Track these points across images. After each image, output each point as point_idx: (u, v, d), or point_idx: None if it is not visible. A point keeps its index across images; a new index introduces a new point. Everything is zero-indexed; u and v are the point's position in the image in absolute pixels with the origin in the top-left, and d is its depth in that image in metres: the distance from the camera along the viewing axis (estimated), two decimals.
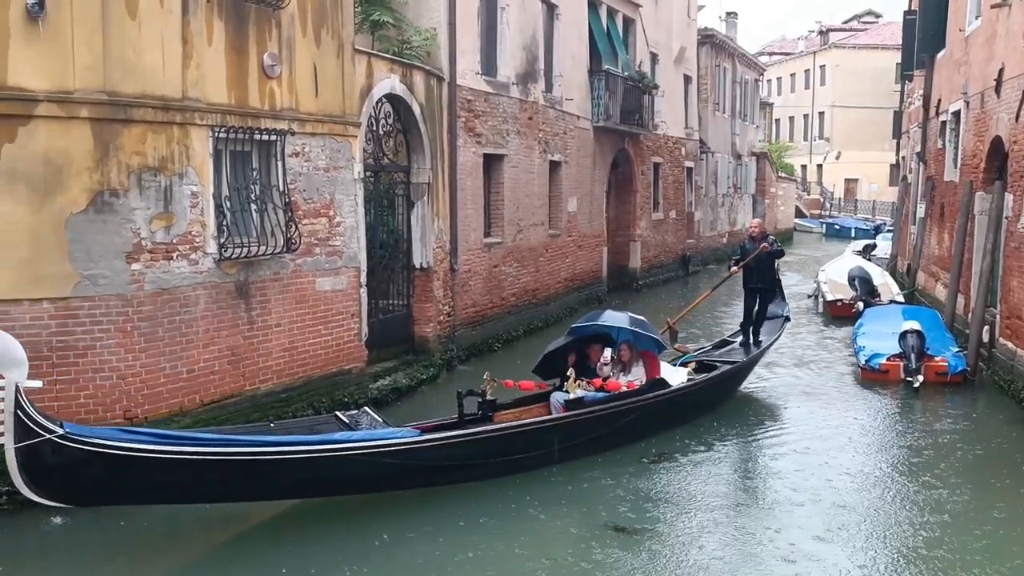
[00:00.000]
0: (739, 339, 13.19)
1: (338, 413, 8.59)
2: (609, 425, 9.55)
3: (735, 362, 12.03)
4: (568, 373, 9.75)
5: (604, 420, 9.55)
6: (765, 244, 12.80)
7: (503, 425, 9.17)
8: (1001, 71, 13.76)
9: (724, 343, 13.31)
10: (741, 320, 13.50)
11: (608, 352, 10.37)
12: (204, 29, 9.02)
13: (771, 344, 13.16)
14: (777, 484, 9.22)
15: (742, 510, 8.50)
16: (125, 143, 8.32)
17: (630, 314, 10.54)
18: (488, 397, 9.45)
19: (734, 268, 13.19)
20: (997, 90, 13.97)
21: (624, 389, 9.93)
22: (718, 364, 11.86)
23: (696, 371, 11.53)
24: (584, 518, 8.22)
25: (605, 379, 10.01)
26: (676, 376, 10.73)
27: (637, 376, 10.18)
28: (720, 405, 11.56)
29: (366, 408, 8.84)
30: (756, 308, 13.03)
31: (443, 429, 8.91)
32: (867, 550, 7.47)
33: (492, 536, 7.68)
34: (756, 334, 13.01)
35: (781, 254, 13.30)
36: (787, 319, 13.78)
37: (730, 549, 7.55)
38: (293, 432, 7.98)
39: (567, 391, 9.67)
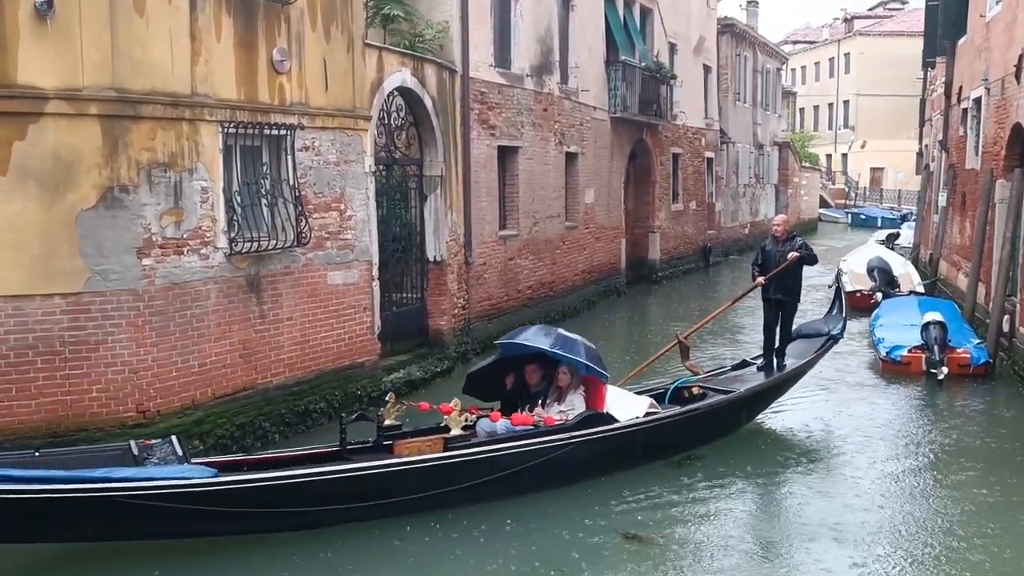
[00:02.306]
0: (761, 360, 10.98)
1: (132, 442, 7.38)
2: (500, 470, 7.95)
3: (730, 391, 9.89)
4: (453, 403, 8.29)
5: (493, 464, 7.95)
6: (795, 252, 10.33)
7: (340, 468, 7.54)
8: (1021, 57, 13.55)
9: (744, 364, 11.15)
10: (762, 339, 11.13)
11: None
12: (212, 25, 9.07)
13: (800, 370, 10.70)
14: (799, 479, 9.08)
15: (759, 497, 8.48)
16: (134, 139, 8.39)
17: (561, 332, 8.74)
18: (389, 422, 8.07)
19: (760, 279, 10.54)
20: (1017, 76, 13.77)
21: (538, 424, 8.35)
22: (720, 392, 9.94)
23: (688, 400, 9.83)
24: None
25: (531, 411, 8.57)
26: (631, 408, 8.91)
27: (571, 407, 8.62)
28: (710, 441, 9.64)
29: (172, 438, 7.57)
30: (778, 323, 10.71)
31: (315, 461, 7.76)
32: (890, 547, 7.34)
33: None
34: (780, 355, 10.71)
35: (814, 260, 10.71)
36: (834, 338, 10.92)
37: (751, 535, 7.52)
38: (59, 464, 6.74)
39: (450, 426, 8.19)
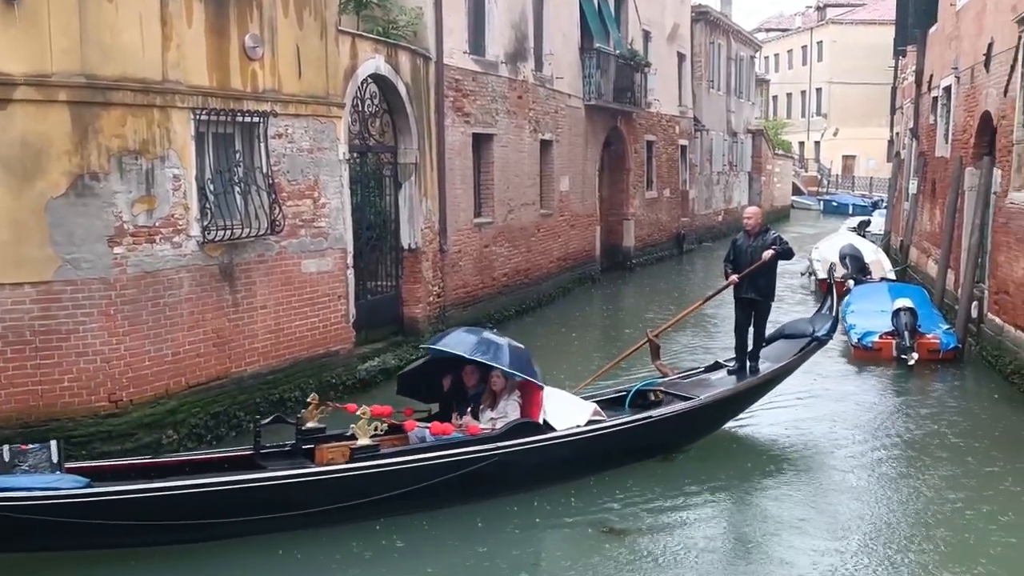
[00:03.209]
0: (734, 363, 10.15)
1: (6, 447, 6.81)
2: (410, 484, 7.36)
3: (691, 397, 9.17)
4: (362, 412, 7.57)
5: (400, 476, 7.38)
6: (769, 250, 9.49)
7: (215, 480, 6.98)
8: (990, 45, 13.71)
9: (717, 366, 10.31)
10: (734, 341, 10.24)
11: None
12: (183, 11, 8.97)
13: (776, 375, 9.82)
14: (769, 466, 9.11)
15: (735, 493, 8.39)
16: (105, 126, 8.29)
17: (486, 336, 8.24)
18: (311, 425, 7.56)
19: (733, 277, 9.74)
20: (986, 65, 13.93)
21: (461, 433, 7.85)
22: (681, 398, 9.22)
23: (649, 405, 9.20)
24: None
25: (462, 415, 8.15)
26: (574, 416, 8.26)
27: (503, 414, 8.08)
28: (671, 450, 9.08)
29: (51, 443, 6.87)
30: (750, 324, 9.94)
31: (234, 467, 7.35)
32: (866, 540, 7.35)
33: None
34: (755, 358, 9.90)
35: (790, 255, 9.78)
36: (818, 340, 9.91)
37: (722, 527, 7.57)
38: None
39: (356, 435, 7.54)
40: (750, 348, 9.93)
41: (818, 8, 62.46)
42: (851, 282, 18.23)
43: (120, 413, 8.44)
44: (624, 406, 9.20)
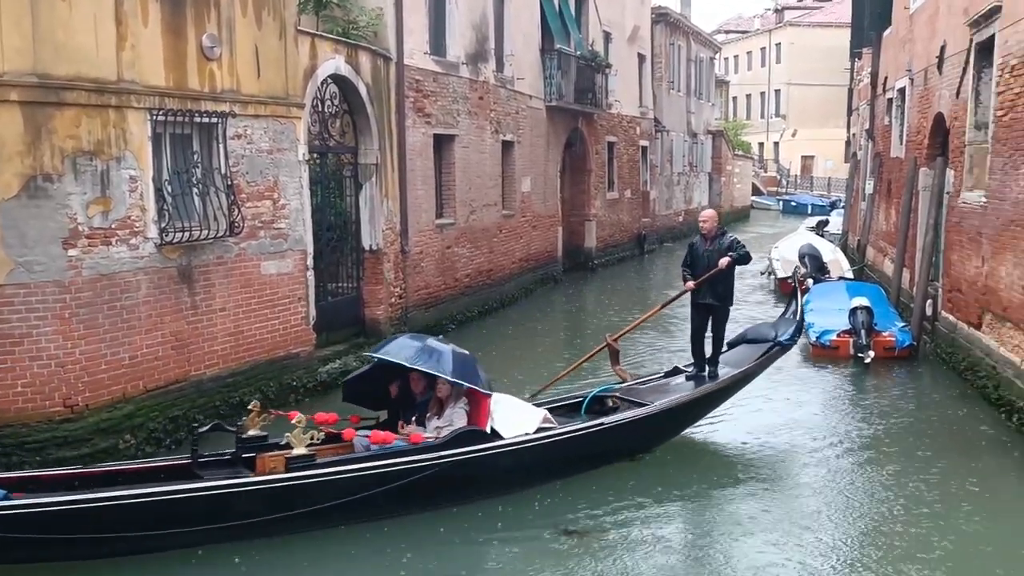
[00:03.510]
0: (692, 369, 9.96)
1: None
2: (346, 495, 7.16)
3: (645, 404, 8.95)
4: (297, 420, 7.26)
5: (336, 487, 7.18)
6: (725, 258, 9.31)
7: (134, 492, 6.68)
8: (943, 48, 13.96)
9: (676, 371, 10.10)
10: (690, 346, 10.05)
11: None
12: (138, 10, 8.85)
13: (734, 381, 9.59)
14: (729, 467, 9.14)
15: (698, 495, 8.36)
16: (58, 127, 8.16)
17: (429, 342, 8.01)
18: (253, 433, 7.38)
19: (690, 283, 9.58)
20: (939, 67, 14.18)
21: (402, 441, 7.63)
22: (636, 404, 9.04)
23: (605, 411, 9.04)
24: None
25: (406, 423, 8.01)
26: (523, 423, 8.08)
27: (448, 422, 7.89)
28: (631, 455, 8.90)
29: None
30: (708, 330, 9.76)
31: (171, 477, 7.13)
32: (824, 538, 7.39)
33: None
34: (714, 363, 9.71)
35: (747, 260, 9.58)
36: (781, 345, 9.72)
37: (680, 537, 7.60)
38: None
39: (291, 444, 7.24)
40: (709, 353, 9.76)
41: (776, 10, 63.19)
42: (810, 281, 18.46)
43: (75, 418, 8.32)
44: (581, 412, 9.09)
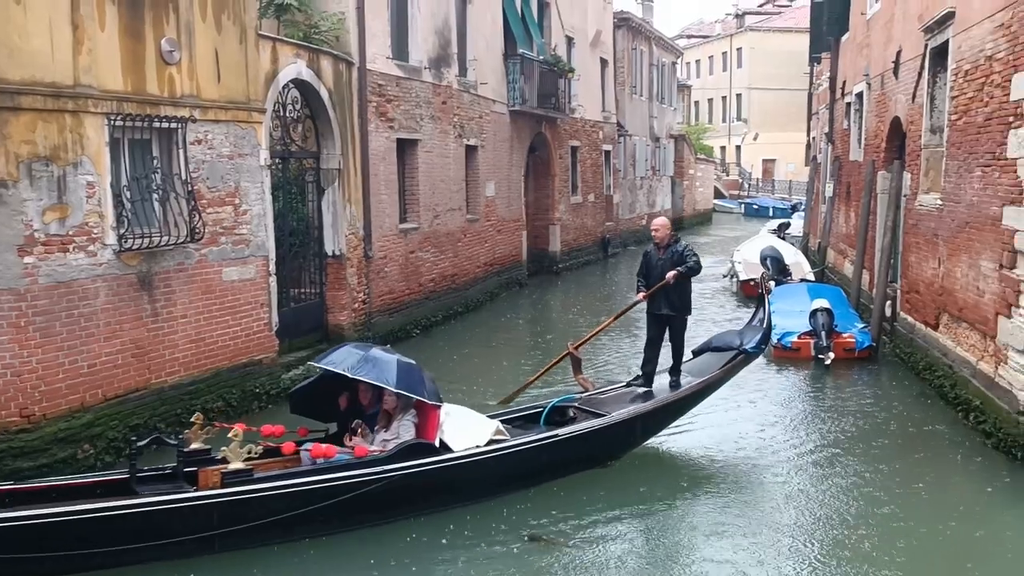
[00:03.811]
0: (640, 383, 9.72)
1: None
2: (291, 509, 6.99)
3: (601, 414, 8.79)
4: (233, 434, 7.05)
5: (280, 503, 6.97)
6: (673, 272, 9.17)
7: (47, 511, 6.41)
8: (899, 53, 14.19)
9: (639, 379, 9.84)
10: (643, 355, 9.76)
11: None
12: (95, 13, 8.74)
13: (695, 390, 9.34)
14: (693, 472, 9.17)
15: (656, 507, 8.24)
16: (13, 132, 8.02)
17: (372, 352, 7.78)
18: (196, 446, 7.06)
19: (640, 294, 9.49)
20: (895, 72, 14.41)
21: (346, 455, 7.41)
22: (594, 415, 8.84)
23: (564, 422, 8.81)
24: None
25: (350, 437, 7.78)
26: (474, 435, 7.91)
27: (395, 435, 7.67)
28: (582, 470, 8.60)
29: None
30: (667, 340, 9.57)
31: (108, 492, 6.87)
32: (788, 540, 7.44)
33: None
34: (675, 372, 9.58)
35: (696, 270, 9.33)
36: (747, 353, 9.47)
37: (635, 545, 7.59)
38: None
39: (228, 458, 7.04)
40: (671, 363, 9.61)
41: (737, 16, 63.86)
42: (771, 283, 18.63)
43: (32, 428, 8.18)
44: (540, 423, 8.89)
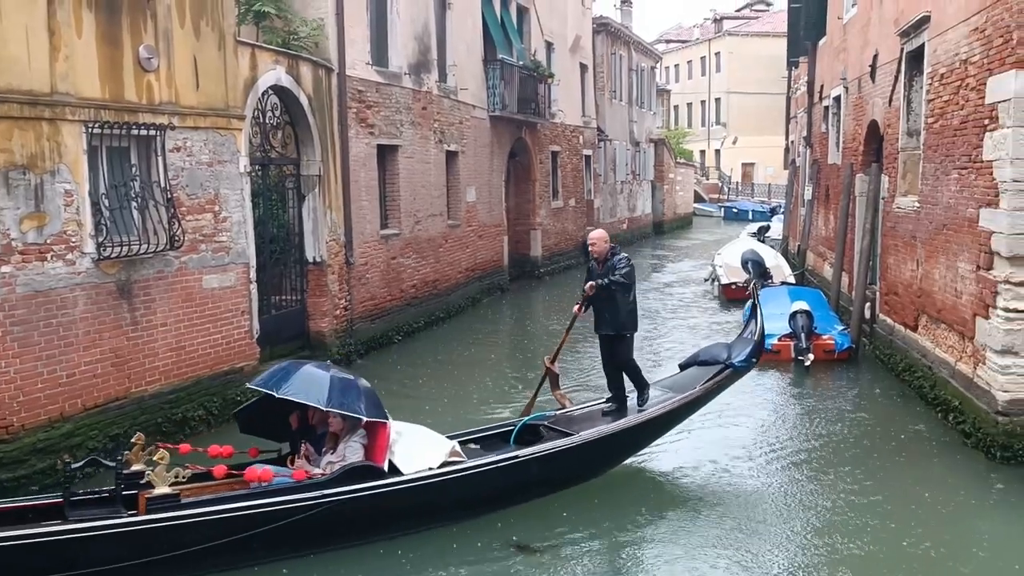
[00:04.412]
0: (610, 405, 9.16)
1: None
2: (226, 536, 6.63)
3: (570, 434, 8.34)
4: (159, 456, 6.66)
5: (214, 529, 6.62)
6: (591, 284, 8.64)
7: None
8: (875, 57, 14.31)
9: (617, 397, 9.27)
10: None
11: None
12: (72, 20, 8.68)
13: (671, 409, 8.76)
14: (677, 480, 9.10)
15: (642, 520, 8.08)
16: None
17: (306, 369, 7.40)
18: (136, 468, 6.76)
19: (576, 308, 9.06)
20: (872, 76, 14.53)
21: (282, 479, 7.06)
22: (563, 434, 8.41)
23: (533, 442, 8.34)
24: None
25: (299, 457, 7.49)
26: (426, 457, 7.49)
27: (342, 457, 7.32)
28: (545, 495, 8.16)
29: None
30: (613, 361, 9.01)
31: (40, 517, 6.57)
32: (771, 547, 7.43)
33: None
34: (641, 388, 8.99)
35: (623, 284, 8.61)
36: (734, 368, 8.87)
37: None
38: None
39: (153, 483, 6.62)
40: (632, 383, 9.07)
41: (715, 20, 64.22)
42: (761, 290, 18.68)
43: (10, 439, 8.10)
44: (510, 441, 8.43)
